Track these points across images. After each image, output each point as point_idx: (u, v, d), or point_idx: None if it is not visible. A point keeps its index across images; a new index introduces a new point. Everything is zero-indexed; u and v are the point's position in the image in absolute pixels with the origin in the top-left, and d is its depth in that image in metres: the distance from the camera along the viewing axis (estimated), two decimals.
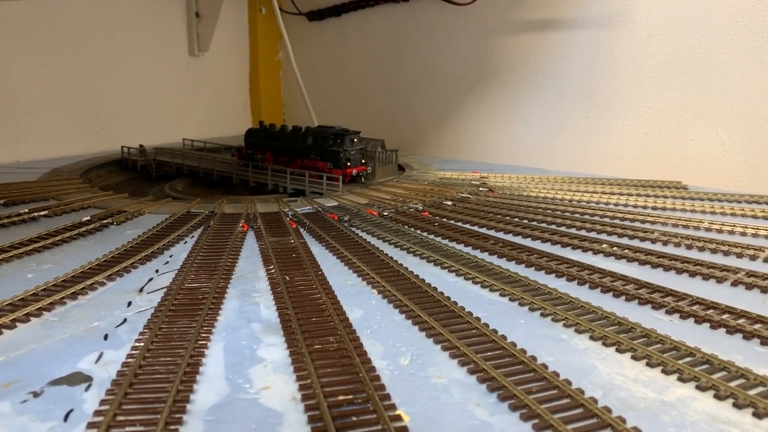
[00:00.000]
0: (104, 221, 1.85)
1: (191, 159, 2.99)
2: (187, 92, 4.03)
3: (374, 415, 0.82)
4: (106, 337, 1.08)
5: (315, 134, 2.55)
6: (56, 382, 0.92)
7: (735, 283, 1.35)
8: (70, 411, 0.84)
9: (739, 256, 1.54)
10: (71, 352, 1.02)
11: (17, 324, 1.12)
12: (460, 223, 1.89)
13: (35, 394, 0.88)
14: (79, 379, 0.93)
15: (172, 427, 0.80)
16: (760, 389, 0.89)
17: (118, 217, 1.90)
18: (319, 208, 2.07)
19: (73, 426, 0.80)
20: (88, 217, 1.87)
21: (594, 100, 2.89)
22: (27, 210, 1.92)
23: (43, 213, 1.92)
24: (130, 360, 0.97)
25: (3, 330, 1.09)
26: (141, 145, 3.10)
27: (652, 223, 1.87)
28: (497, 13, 3.20)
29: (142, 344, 1.02)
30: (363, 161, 2.55)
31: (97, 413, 0.82)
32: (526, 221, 1.90)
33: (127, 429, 0.79)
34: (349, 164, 2.47)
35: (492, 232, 1.79)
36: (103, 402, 0.85)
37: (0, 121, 3.02)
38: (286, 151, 2.66)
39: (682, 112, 2.62)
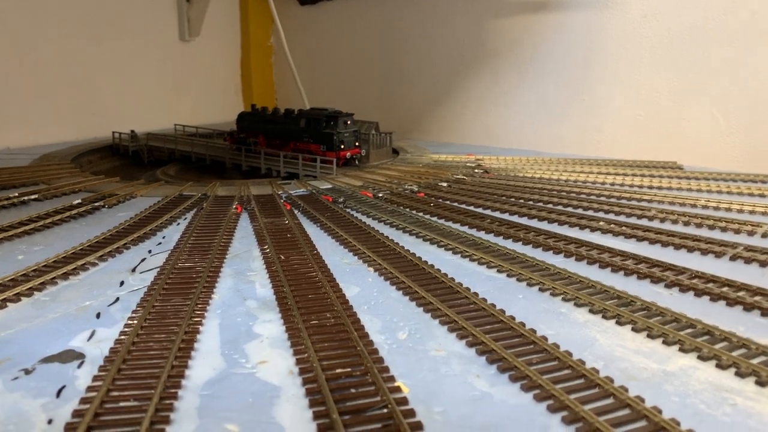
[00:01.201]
0: (95, 204, 1.82)
1: (183, 144, 2.96)
2: (178, 77, 3.99)
3: (373, 386, 0.81)
4: (98, 315, 1.06)
5: (308, 117, 2.52)
6: (48, 360, 0.90)
7: (733, 258, 1.34)
8: (63, 387, 0.82)
9: (737, 231, 1.54)
10: (63, 330, 1.00)
11: (8, 304, 1.10)
12: (455, 203, 1.87)
13: (27, 372, 0.86)
14: (72, 356, 0.91)
15: (167, 401, 0.78)
16: (762, 358, 0.88)
17: (110, 200, 1.87)
18: (313, 191, 2.05)
19: (65, 402, 0.79)
20: (80, 200, 1.84)
21: (589, 82, 2.87)
22: (17, 194, 1.89)
23: (33, 197, 1.89)
24: (123, 337, 0.95)
25: None
26: (132, 131, 3.06)
27: (649, 201, 1.86)
28: None
29: (135, 322, 1.00)
30: (357, 144, 2.53)
31: (90, 389, 0.81)
32: (522, 201, 1.89)
33: (121, 404, 0.77)
34: (342, 147, 2.44)
35: (488, 212, 1.77)
36: (96, 378, 0.83)
37: None
38: (278, 134, 2.63)
39: (676, 93, 2.61)
